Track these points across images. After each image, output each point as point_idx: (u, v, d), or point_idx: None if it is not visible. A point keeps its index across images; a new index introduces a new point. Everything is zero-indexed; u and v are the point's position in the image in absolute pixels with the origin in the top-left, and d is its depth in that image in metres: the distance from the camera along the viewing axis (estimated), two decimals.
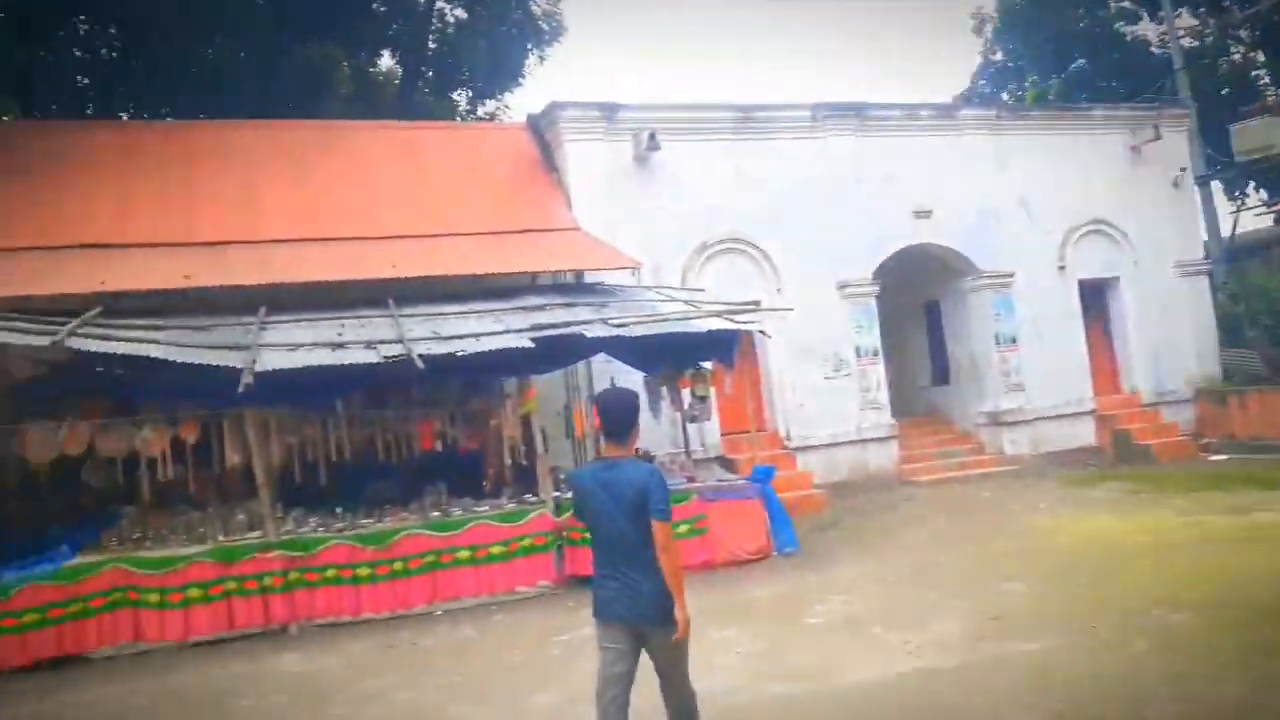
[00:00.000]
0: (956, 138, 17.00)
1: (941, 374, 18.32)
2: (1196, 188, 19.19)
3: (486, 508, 10.42)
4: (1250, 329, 17.98)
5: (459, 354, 9.65)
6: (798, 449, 15.34)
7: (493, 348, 9.84)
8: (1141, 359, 17.92)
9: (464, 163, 15.07)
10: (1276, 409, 16.65)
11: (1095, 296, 17.93)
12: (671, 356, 12.11)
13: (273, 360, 9.18)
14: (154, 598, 8.96)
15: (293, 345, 9.65)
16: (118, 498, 10.22)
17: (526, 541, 10.17)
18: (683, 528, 10.59)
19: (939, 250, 16.91)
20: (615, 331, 10.50)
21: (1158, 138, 17.64)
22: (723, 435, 14.74)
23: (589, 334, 10.37)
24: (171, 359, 8.94)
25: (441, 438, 10.70)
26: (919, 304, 18.75)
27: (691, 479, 11.42)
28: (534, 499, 10.51)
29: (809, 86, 58.53)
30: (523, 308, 11.38)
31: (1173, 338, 17.96)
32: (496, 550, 10.05)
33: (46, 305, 9.88)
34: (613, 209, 14.69)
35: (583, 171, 14.80)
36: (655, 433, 13.35)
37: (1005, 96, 29.05)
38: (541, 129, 15.57)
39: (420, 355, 9.38)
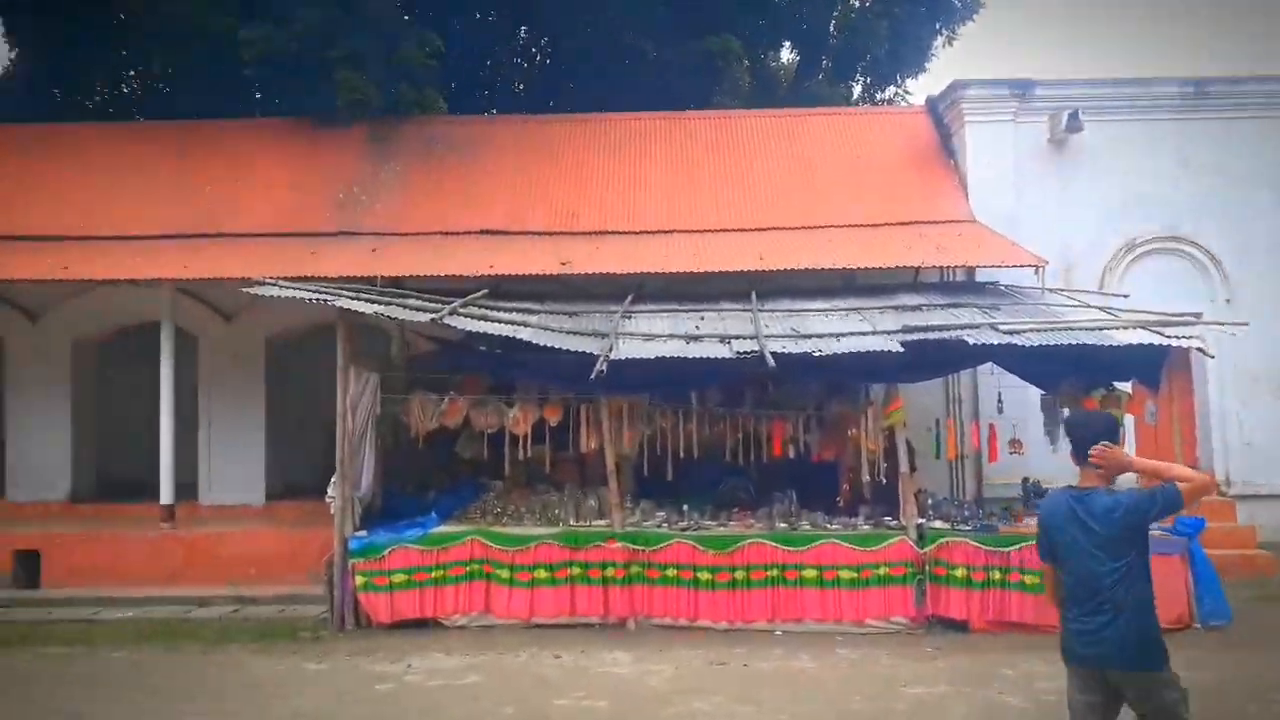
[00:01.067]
0: None
1: None
2: None
3: (838, 526, 9.45)
4: None
5: (815, 354, 8.81)
6: (1239, 497, 12.47)
7: (853, 350, 8.86)
8: None
9: (849, 150, 14.11)
10: None
11: None
12: (1077, 373, 10.23)
13: (627, 349, 8.97)
14: (505, 574, 9.15)
15: (649, 335, 9.40)
16: (486, 471, 10.68)
17: (882, 570, 9.06)
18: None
19: None
20: (1006, 339, 9.02)
21: None
22: None
23: (972, 340, 8.99)
24: (538, 342, 9.05)
25: (794, 444, 9.89)
26: None
27: None
28: (894, 523, 9.36)
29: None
30: (896, 307, 10.25)
31: None
32: (846, 575, 9.06)
33: (442, 285, 10.57)
34: (1018, 200, 12.94)
35: (984, 157, 13.18)
36: (1051, 462, 11.47)
37: None
38: (940, 112, 14.17)
39: (773, 353, 8.67)
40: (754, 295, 10.54)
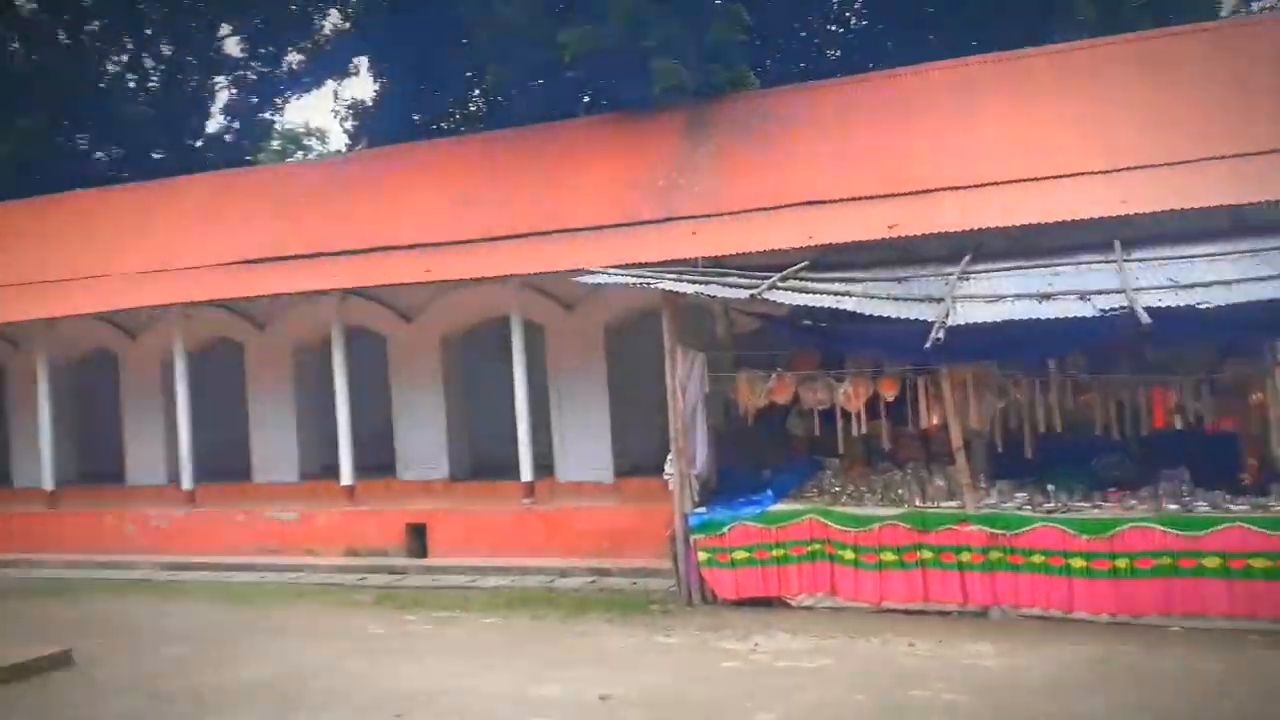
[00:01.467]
0: None
1: None
2: None
3: (1246, 507, 8.01)
4: None
5: (1200, 305, 7.54)
6: None
7: (1251, 299, 7.45)
8: None
9: (1228, 70, 11.96)
10: None
11: None
12: None
13: (969, 313, 8.20)
14: (849, 554, 8.74)
15: (993, 297, 8.53)
16: (822, 449, 10.30)
17: None
18: None
19: None
20: None
21: None
22: None
23: None
24: (863, 311, 8.56)
25: (1180, 412, 8.54)
26: None
27: None
28: None
29: None
30: (1263, 249, 8.51)
31: None
32: (1259, 564, 7.64)
33: (764, 260, 10.34)
34: None
35: None
36: None
37: None
38: None
39: (1147, 308, 7.50)
40: (1118, 244, 9.24)
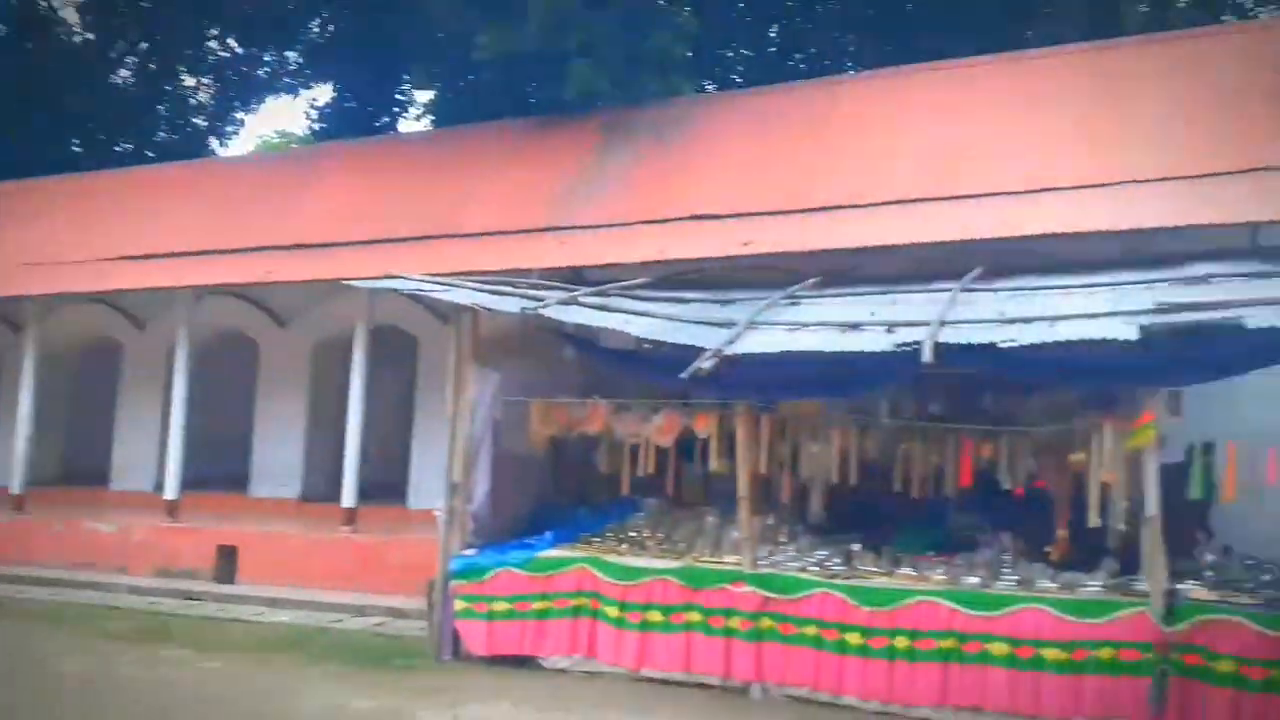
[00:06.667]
0: None
1: None
2: None
3: (1055, 585, 6.86)
4: None
5: (1003, 344, 6.41)
6: None
7: (1071, 338, 6.34)
8: None
9: (1180, 84, 10.61)
10: None
11: None
12: None
13: (749, 343, 7.17)
14: (613, 611, 7.71)
15: (794, 325, 7.49)
16: (653, 489, 9.32)
17: (1105, 652, 6.37)
18: None
19: None
20: None
21: None
22: None
23: (1253, 324, 6.03)
24: (637, 334, 7.59)
25: (995, 469, 7.41)
26: None
27: None
28: (1134, 588, 6.60)
29: None
30: (1175, 279, 7.32)
31: None
32: (1051, 654, 6.49)
33: (626, 274, 9.50)
34: None
35: None
36: None
37: None
38: None
39: (940, 343, 6.43)
40: (978, 273, 8.10)
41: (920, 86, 11.94)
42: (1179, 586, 6.52)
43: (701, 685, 7.37)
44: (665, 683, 7.43)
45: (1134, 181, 9.32)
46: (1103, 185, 9.35)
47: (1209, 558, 7.03)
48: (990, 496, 8.00)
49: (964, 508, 8.67)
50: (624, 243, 10.73)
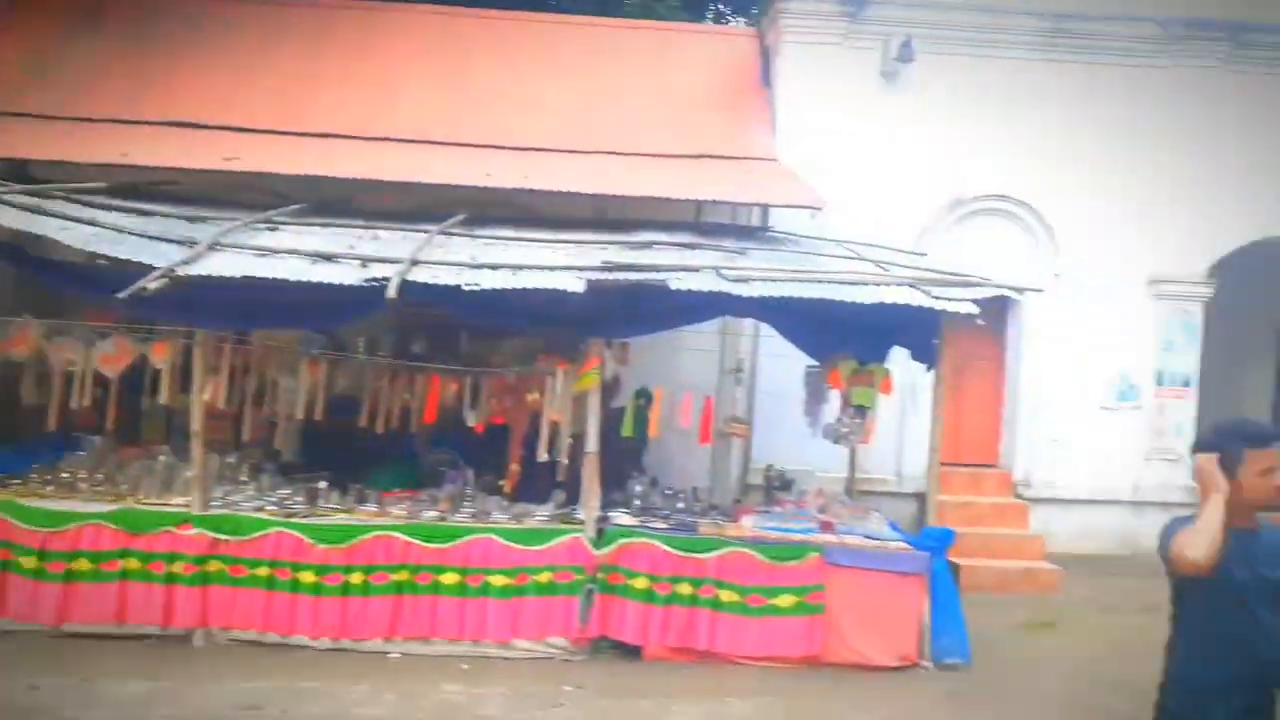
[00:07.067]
0: None
1: None
2: None
3: (506, 516, 7.32)
4: None
5: (467, 287, 6.61)
6: (1035, 500, 10.85)
7: (529, 286, 6.71)
8: None
9: (655, 73, 11.77)
10: None
11: None
12: (851, 341, 8.33)
13: (210, 264, 6.61)
14: (30, 562, 6.73)
15: (265, 251, 7.04)
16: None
17: (544, 576, 6.95)
18: (786, 599, 6.95)
19: None
20: (725, 287, 6.96)
21: None
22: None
23: (676, 285, 6.89)
24: (67, 242, 6.68)
25: (461, 408, 7.72)
26: (1269, 328, 13.15)
27: (829, 526, 7.60)
28: (575, 517, 7.28)
29: None
30: (624, 243, 8.09)
31: None
32: (497, 581, 6.93)
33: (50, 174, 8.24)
34: (837, 139, 10.91)
35: (801, 86, 11.13)
36: (812, 448, 9.62)
37: None
38: (764, 30, 12.06)
39: (409, 281, 6.46)
40: (462, 219, 8.26)
41: (423, 25, 11.94)
42: (610, 514, 7.34)
43: (138, 636, 6.72)
44: (96, 636, 6.66)
45: (610, 153, 10.26)
46: (582, 152, 10.14)
47: (638, 489, 7.95)
48: (464, 434, 8.33)
49: (439, 444, 8.99)
50: (82, 141, 9.33)
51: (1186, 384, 11.22)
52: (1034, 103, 11.08)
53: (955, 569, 9.19)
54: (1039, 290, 8.86)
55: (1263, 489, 3.03)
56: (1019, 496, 10.86)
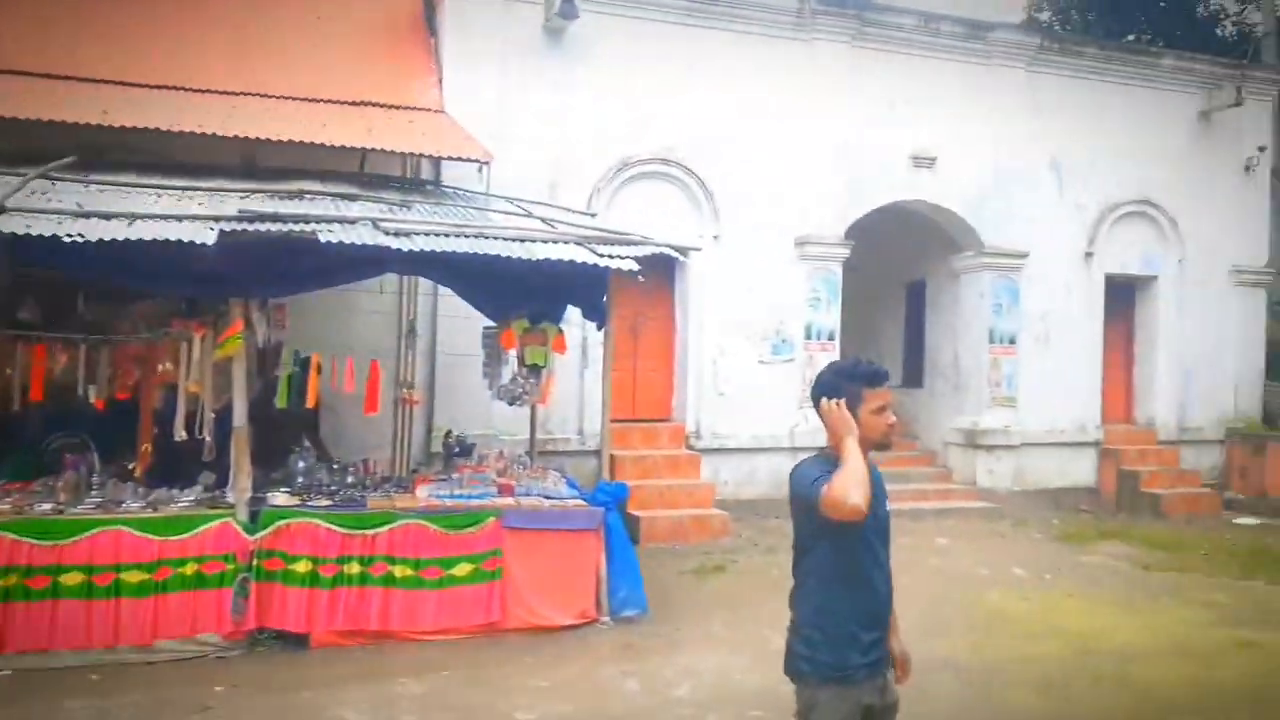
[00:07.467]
0: (984, 68, 12.84)
1: (914, 374, 14.38)
2: (1273, 178, 15.06)
3: (140, 504, 6.47)
4: None
5: (67, 238, 5.68)
6: (707, 451, 11.44)
7: (134, 237, 5.88)
8: (1167, 384, 13.98)
9: (314, 15, 10.83)
10: None
11: (1122, 298, 13.98)
12: (527, 301, 8.17)
13: None
14: None
15: None
16: None
17: (189, 568, 6.23)
18: (463, 567, 6.73)
19: (937, 213, 12.92)
20: (383, 240, 6.52)
21: (1238, 102, 13.48)
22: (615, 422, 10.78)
23: (326, 237, 6.35)
24: None
25: (76, 380, 6.72)
26: (899, 282, 14.79)
27: (507, 489, 7.46)
28: (224, 500, 6.58)
29: None
30: (268, 191, 7.38)
31: (1211, 362, 14.03)
32: (132, 578, 6.11)
33: None
34: (503, 95, 10.72)
35: (466, 38, 10.78)
36: (491, 409, 9.47)
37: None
38: None
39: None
40: (65, 160, 7.12)
41: None
42: (267, 495, 6.72)
43: None
44: None
45: (262, 95, 9.36)
46: (229, 93, 9.17)
47: (301, 464, 7.35)
48: (96, 415, 7.27)
49: (60, 427, 7.81)
50: None
51: (831, 337, 12.26)
52: (691, 71, 11.49)
53: (636, 522, 9.54)
54: (698, 250, 9.24)
55: (878, 426, 3.18)
56: (690, 448, 11.38)
